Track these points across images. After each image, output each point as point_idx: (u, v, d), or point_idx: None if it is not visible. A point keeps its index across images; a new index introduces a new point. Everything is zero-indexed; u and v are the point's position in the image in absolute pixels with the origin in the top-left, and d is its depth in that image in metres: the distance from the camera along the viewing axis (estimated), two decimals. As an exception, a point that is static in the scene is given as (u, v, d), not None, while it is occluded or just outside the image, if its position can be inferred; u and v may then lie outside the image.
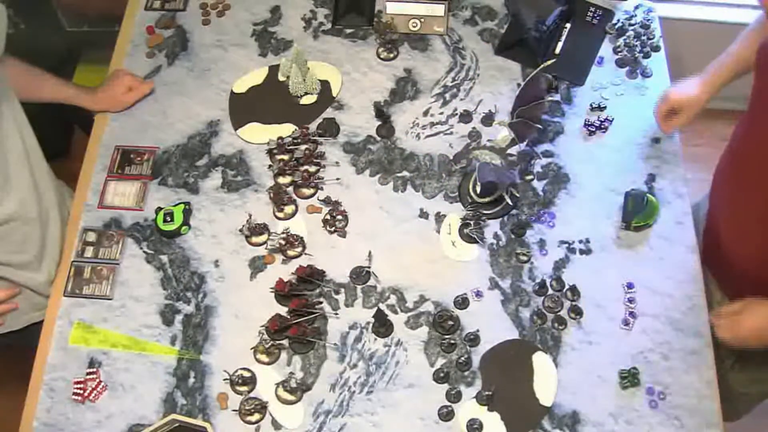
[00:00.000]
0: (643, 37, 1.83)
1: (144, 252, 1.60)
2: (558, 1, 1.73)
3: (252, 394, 1.45)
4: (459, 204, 1.64)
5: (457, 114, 1.75)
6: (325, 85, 1.78)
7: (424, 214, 1.63)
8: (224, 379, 1.45)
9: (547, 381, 1.44)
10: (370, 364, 1.47)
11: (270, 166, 1.69)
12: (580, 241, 1.58)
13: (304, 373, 1.47)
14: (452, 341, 1.48)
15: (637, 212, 1.56)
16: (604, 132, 1.71)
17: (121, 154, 1.71)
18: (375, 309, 1.49)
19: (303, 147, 1.68)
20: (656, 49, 1.81)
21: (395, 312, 1.52)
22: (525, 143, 1.68)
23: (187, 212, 1.62)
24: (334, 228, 1.60)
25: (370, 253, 1.58)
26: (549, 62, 1.55)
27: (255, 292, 1.55)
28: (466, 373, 1.46)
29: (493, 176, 1.55)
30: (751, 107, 1.34)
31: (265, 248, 1.60)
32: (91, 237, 1.61)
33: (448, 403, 1.43)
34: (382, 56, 1.83)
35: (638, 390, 1.44)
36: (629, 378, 1.43)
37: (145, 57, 1.85)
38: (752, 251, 1.41)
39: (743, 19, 2.37)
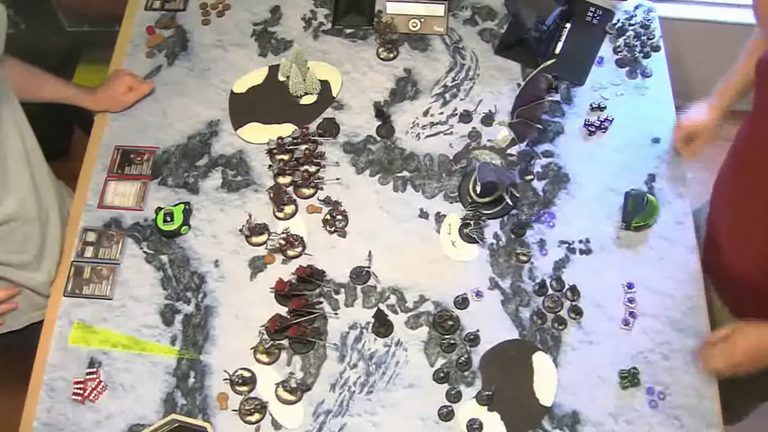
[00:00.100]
0: (643, 37, 1.83)
1: (144, 252, 1.60)
2: (558, 1, 1.73)
3: (252, 394, 1.45)
4: (459, 204, 1.64)
5: (457, 114, 1.75)
6: (325, 85, 1.79)
7: (424, 214, 1.63)
8: (224, 379, 1.45)
9: (547, 381, 1.44)
10: (370, 364, 1.47)
11: (270, 166, 1.69)
12: (580, 241, 1.58)
13: (304, 373, 1.47)
14: (452, 341, 1.48)
15: (637, 212, 1.56)
16: (604, 132, 1.71)
17: (121, 154, 1.71)
18: (375, 309, 1.49)
19: (303, 147, 1.68)
20: (656, 49, 1.82)
21: (395, 312, 1.52)
22: (525, 143, 1.68)
23: (187, 212, 1.62)
24: (334, 228, 1.60)
25: (370, 253, 1.58)
26: (549, 62, 1.55)
27: (255, 292, 1.55)
28: (466, 373, 1.46)
29: (493, 176, 1.55)
30: (752, 119, 1.34)
31: (265, 248, 1.60)
32: (91, 237, 1.61)
33: (448, 403, 1.43)
34: (382, 56, 1.83)
35: (638, 390, 1.44)
36: (629, 378, 1.43)
37: (145, 57, 1.85)
38: (752, 259, 1.40)
39: (743, 19, 2.37)
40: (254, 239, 1.60)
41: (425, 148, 1.71)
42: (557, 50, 1.82)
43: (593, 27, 1.85)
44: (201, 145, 1.73)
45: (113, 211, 1.65)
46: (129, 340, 1.51)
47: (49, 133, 1.61)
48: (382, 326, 1.49)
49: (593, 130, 1.71)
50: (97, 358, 1.49)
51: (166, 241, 1.61)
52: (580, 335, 1.49)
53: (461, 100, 1.77)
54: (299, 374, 1.47)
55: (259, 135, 1.73)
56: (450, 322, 1.49)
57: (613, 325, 1.50)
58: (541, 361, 1.46)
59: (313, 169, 1.67)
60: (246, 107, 1.77)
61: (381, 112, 1.72)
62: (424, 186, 1.66)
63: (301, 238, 1.59)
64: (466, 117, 1.74)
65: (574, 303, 1.52)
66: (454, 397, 1.43)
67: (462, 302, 1.52)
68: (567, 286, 1.53)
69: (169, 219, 1.59)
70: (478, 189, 1.59)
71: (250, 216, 1.60)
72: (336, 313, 1.52)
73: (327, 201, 1.63)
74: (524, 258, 1.57)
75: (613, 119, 1.72)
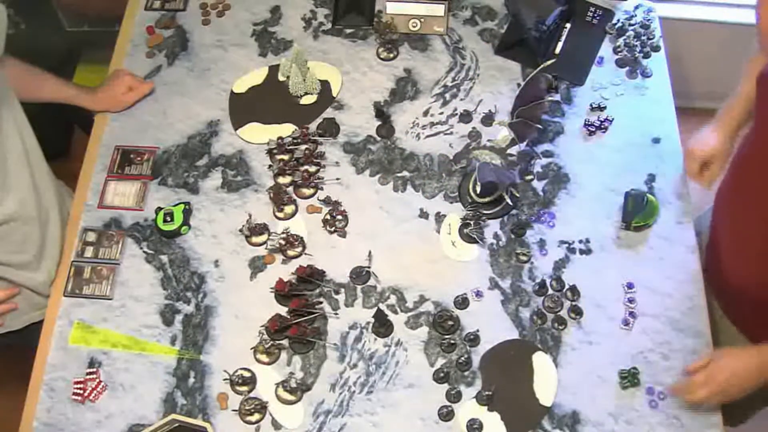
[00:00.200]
0: (643, 37, 1.83)
1: (144, 252, 1.60)
2: (558, 1, 1.73)
3: (252, 394, 1.45)
4: (459, 204, 1.64)
5: (457, 114, 1.75)
6: (325, 85, 1.79)
7: (424, 214, 1.63)
8: (224, 379, 1.45)
9: (547, 381, 1.44)
10: (370, 364, 1.47)
11: (270, 166, 1.69)
12: (580, 241, 1.58)
13: (304, 373, 1.47)
14: (452, 341, 1.48)
15: (637, 212, 1.56)
16: (604, 132, 1.71)
17: (121, 154, 1.71)
18: (375, 309, 1.49)
19: (303, 147, 1.68)
20: (656, 49, 1.82)
21: (395, 312, 1.52)
22: (525, 143, 1.68)
23: (187, 212, 1.62)
24: (334, 228, 1.60)
25: (370, 253, 1.58)
26: (549, 62, 1.55)
27: (255, 292, 1.55)
28: (466, 373, 1.46)
29: (493, 176, 1.55)
30: (753, 131, 1.33)
31: (265, 248, 1.60)
32: (91, 237, 1.61)
33: (448, 403, 1.43)
34: (382, 56, 1.83)
35: (638, 390, 1.44)
36: (629, 378, 1.43)
37: (145, 57, 1.85)
38: (752, 270, 1.39)
39: (743, 19, 2.37)
40: (254, 239, 1.60)
41: (425, 148, 1.71)
42: (557, 50, 1.82)
43: (593, 27, 1.85)
44: (201, 145, 1.73)
45: (113, 211, 1.65)
46: (129, 340, 1.51)
47: (49, 133, 1.61)
48: (382, 326, 1.49)
49: (593, 130, 1.71)
50: (97, 358, 1.49)
51: (166, 241, 1.61)
52: (580, 335, 1.49)
53: (461, 100, 1.77)
54: (299, 374, 1.47)
55: (259, 135, 1.73)
56: (450, 322, 1.49)
57: (613, 325, 1.50)
58: (541, 361, 1.46)
59: (313, 169, 1.67)
60: (246, 107, 1.77)
61: (381, 112, 1.72)
62: (424, 186, 1.66)
63: (301, 238, 1.59)
64: (466, 117, 1.74)
65: (574, 303, 1.52)
66: (454, 397, 1.43)
67: (462, 302, 1.52)
68: (567, 286, 1.53)
69: (169, 219, 1.59)
70: (478, 189, 1.59)
71: (250, 216, 1.60)
72: (336, 313, 1.52)
73: (327, 201, 1.63)
74: (524, 258, 1.57)
75: (613, 119, 1.72)
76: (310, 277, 1.52)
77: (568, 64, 1.79)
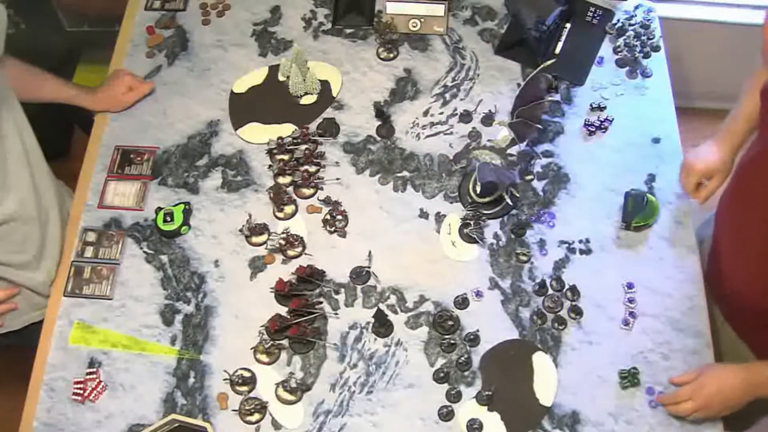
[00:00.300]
0: (643, 37, 1.83)
1: (144, 252, 1.60)
2: (558, 1, 1.73)
3: (252, 394, 1.45)
4: (459, 204, 1.64)
5: (457, 114, 1.75)
6: (325, 85, 1.79)
7: (424, 214, 1.63)
8: (224, 379, 1.45)
9: (547, 381, 1.44)
10: (370, 364, 1.47)
11: (270, 166, 1.69)
12: (580, 241, 1.58)
13: (304, 373, 1.47)
14: (452, 341, 1.48)
15: (637, 212, 1.56)
16: (604, 132, 1.71)
17: (121, 154, 1.71)
18: (375, 309, 1.49)
19: (303, 147, 1.68)
20: (656, 49, 1.82)
21: (395, 312, 1.52)
22: (525, 143, 1.68)
23: (187, 212, 1.62)
24: (334, 228, 1.60)
25: (370, 253, 1.58)
26: (549, 62, 1.55)
27: (255, 292, 1.55)
28: (466, 373, 1.46)
29: (493, 176, 1.55)
30: (757, 143, 1.33)
31: (265, 248, 1.60)
32: (91, 237, 1.61)
33: (448, 403, 1.43)
34: (382, 56, 1.83)
35: (638, 390, 1.44)
36: (629, 378, 1.43)
37: (145, 57, 1.85)
38: (752, 280, 1.39)
39: (743, 19, 2.37)
40: (254, 239, 1.60)
41: (425, 148, 1.71)
42: (557, 50, 1.82)
43: (593, 27, 1.85)
44: (201, 145, 1.73)
45: (113, 211, 1.65)
46: (129, 340, 1.51)
47: (49, 133, 1.61)
48: (382, 326, 1.49)
49: (593, 130, 1.71)
50: (97, 358, 1.49)
51: (166, 241, 1.61)
52: (580, 335, 1.49)
53: (461, 100, 1.77)
54: (299, 374, 1.47)
55: (259, 135, 1.73)
56: (450, 322, 1.49)
57: (613, 325, 1.50)
58: (541, 361, 1.46)
59: (313, 169, 1.67)
60: (246, 107, 1.77)
61: (381, 112, 1.72)
62: (424, 186, 1.66)
63: (301, 238, 1.59)
64: (466, 117, 1.74)
65: (574, 303, 1.52)
66: (454, 397, 1.43)
67: (462, 302, 1.52)
68: (567, 286, 1.53)
69: (169, 219, 1.59)
70: (478, 189, 1.59)
71: (250, 216, 1.60)
72: (336, 313, 1.52)
73: (327, 201, 1.63)
74: (524, 258, 1.57)
75: (613, 119, 1.72)
76: (310, 277, 1.52)
77: (568, 64, 1.79)
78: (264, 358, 1.47)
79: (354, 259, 1.57)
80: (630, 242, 1.58)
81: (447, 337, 1.48)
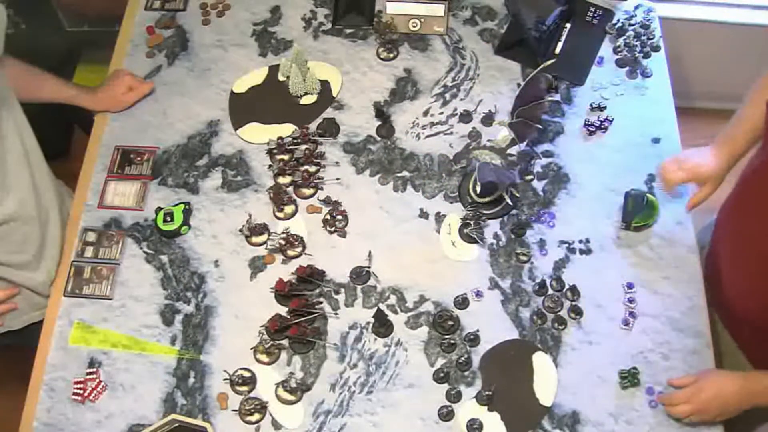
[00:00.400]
0: (643, 37, 1.83)
1: (144, 252, 1.60)
2: (558, 1, 1.73)
3: (252, 394, 1.45)
4: (459, 204, 1.64)
5: (457, 114, 1.75)
6: (325, 85, 1.79)
7: (424, 214, 1.63)
8: (224, 379, 1.45)
9: (547, 381, 1.44)
10: (370, 364, 1.47)
11: (270, 166, 1.69)
12: (580, 241, 1.58)
13: (304, 373, 1.47)
14: (452, 341, 1.48)
15: (637, 212, 1.56)
16: (604, 132, 1.71)
17: (121, 154, 1.71)
18: (375, 309, 1.49)
19: (303, 147, 1.68)
20: (656, 49, 1.82)
21: (395, 312, 1.52)
22: (525, 143, 1.68)
23: (187, 212, 1.62)
24: (334, 228, 1.60)
25: (370, 253, 1.58)
26: (549, 62, 1.55)
27: (255, 292, 1.55)
28: (466, 373, 1.46)
29: (493, 176, 1.55)
30: (762, 152, 1.32)
31: (265, 248, 1.60)
32: (91, 237, 1.61)
33: (448, 403, 1.43)
34: (382, 56, 1.83)
35: (638, 390, 1.44)
36: (629, 378, 1.43)
37: (145, 57, 1.85)
38: (750, 291, 1.39)
39: (743, 19, 2.37)
40: (254, 239, 1.60)
41: (425, 148, 1.71)
42: (557, 50, 1.82)
43: (593, 27, 1.85)
44: (201, 145, 1.73)
45: (113, 211, 1.65)
46: (129, 340, 1.51)
47: (49, 133, 1.61)
48: (382, 326, 1.49)
49: (593, 130, 1.71)
50: (97, 358, 1.49)
51: (166, 241, 1.61)
52: (580, 335, 1.49)
53: (461, 100, 1.77)
54: (299, 374, 1.47)
55: (259, 135, 1.73)
56: (450, 322, 1.49)
57: (613, 325, 1.50)
58: (541, 361, 1.46)
59: (313, 169, 1.67)
60: (246, 107, 1.77)
61: (381, 112, 1.72)
62: (424, 186, 1.66)
63: (301, 238, 1.59)
64: (466, 117, 1.74)
65: (574, 303, 1.52)
66: (454, 397, 1.43)
67: (462, 302, 1.52)
68: (567, 286, 1.53)
69: (169, 219, 1.59)
70: (478, 189, 1.59)
71: (250, 216, 1.60)
72: (336, 313, 1.52)
73: (327, 201, 1.63)
74: (524, 258, 1.57)
75: (613, 119, 1.72)
76: (310, 277, 1.52)
77: (568, 64, 1.79)
78: (264, 358, 1.47)
79: (354, 259, 1.57)
80: (630, 242, 1.58)
81: (447, 337, 1.48)
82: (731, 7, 2.43)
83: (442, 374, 1.45)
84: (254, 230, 1.59)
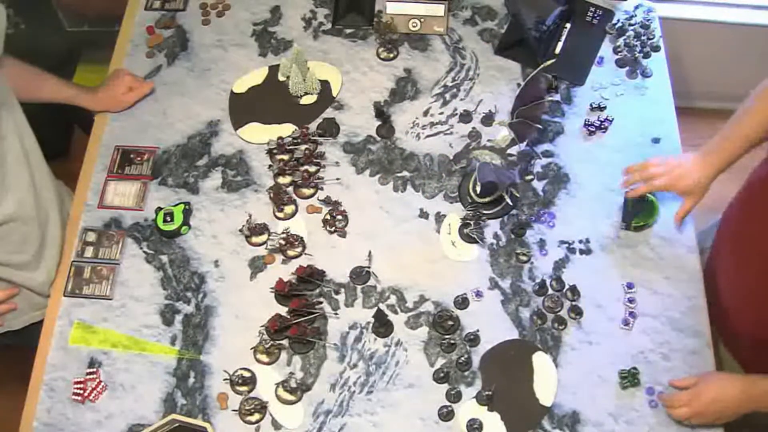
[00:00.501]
0: (643, 37, 1.83)
1: (144, 252, 1.60)
2: (558, 1, 1.73)
3: (252, 394, 1.45)
4: (459, 204, 1.64)
5: (457, 114, 1.75)
6: (325, 85, 1.79)
7: (424, 214, 1.63)
8: (224, 379, 1.45)
9: (547, 381, 1.44)
10: (370, 364, 1.47)
11: (270, 166, 1.69)
12: (580, 241, 1.58)
13: (304, 373, 1.47)
14: (452, 341, 1.48)
15: (637, 212, 1.56)
16: (604, 132, 1.71)
17: (121, 154, 1.71)
18: (375, 309, 1.49)
19: (303, 147, 1.68)
20: (656, 49, 1.82)
21: (395, 312, 1.52)
22: (525, 143, 1.68)
23: (187, 212, 1.62)
24: (334, 228, 1.60)
25: (370, 253, 1.58)
26: (549, 62, 1.55)
27: (255, 292, 1.55)
28: (466, 373, 1.46)
29: (493, 176, 1.55)
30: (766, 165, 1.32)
31: (265, 248, 1.60)
32: (91, 237, 1.61)
33: (448, 403, 1.43)
34: (382, 56, 1.83)
35: (638, 390, 1.44)
36: (629, 378, 1.43)
37: (145, 57, 1.85)
38: (749, 303, 1.39)
39: (743, 19, 2.37)
40: (254, 239, 1.60)
41: (425, 148, 1.71)
42: (557, 50, 1.82)
43: (593, 27, 1.85)
44: (201, 145, 1.73)
45: (113, 211, 1.65)
46: (129, 340, 1.51)
47: (49, 133, 1.61)
48: (382, 326, 1.49)
49: (593, 130, 1.71)
50: (97, 358, 1.49)
51: (166, 241, 1.61)
52: (580, 335, 1.49)
53: (461, 100, 1.77)
54: (299, 374, 1.47)
55: (259, 135, 1.73)
56: (450, 322, 1.49)
57: (613, 325, 1.50)
58: (541, 361, 1.46)
59: (313, 169, 1.67)
60: (246, 107, 1.77)
61: (381, 112, 1.72)
62: (424, 186, 1.66)
63: (301, 238, 1.59)
64: (466, 117, 1.74)
65: (574, 303, 1.52)
66: (454, 397, 1.43)
67: (462, 302, 1.52)
68: (567, 286, 1.53)
69: (169, 219, 1.59)
70: (478, 189, 1.59)
71: (250, 216, 1.60)
72: (336, 313, 1.52)
73: (327, 201, 1.63)
74: (524, 258, 1.57)
75: (613, 119, 1.72)
76: (310, 277, 1.52)
77: (568, 64, 1.79)
78: (264, 358, 1.47)
79: (354, 259, 1.57)
80: (630, 242, 1.58)
81: (447, 337, 1.48)
82: (731, 7, 2.43)
83: (442, 374, 1.45)
84: (254, 230, 1.59)
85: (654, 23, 1.85)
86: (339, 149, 1.71)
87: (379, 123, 1.74)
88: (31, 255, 1.50)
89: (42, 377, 1.48)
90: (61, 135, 2.63)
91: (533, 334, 1.50)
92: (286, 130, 1.73)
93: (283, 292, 1.50)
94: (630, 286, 1.53)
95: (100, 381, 1.47)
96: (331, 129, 1.73)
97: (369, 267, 1.56)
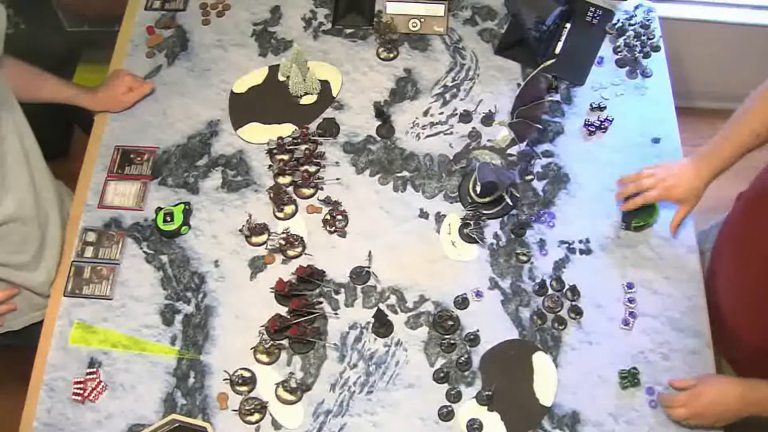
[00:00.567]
0: (643, 37, 1.83)
1: (144, 252, 1.60)
2: (558, 1, 1.73)
3: (252, 394, 1.45)
4: (459, 204, 1.64)
5: (457, 114, 1.75)
6: (325, 85, 1.79)
7: (424, 214, 1.63)
8: (224, 379, 1.45)
9: (547, 381, 1.44)
10: (370, 364, 1.47)
11: (270, 166, 1.69)
12: (580, 241, 1.58)
13: (304, 373, 1.47)
14: (452, 341, 1.48)
15: (637, 212, 1.56)
16: (604, 132, 1.71)
17: (121, 154, 1.71)
18: (375, 309, 1.49)
19: (303, 147, 1.68)
20: (656, 49, 1.82)
21: (395, 312, 1.52)
22: (525, 143, 1.68)
23: (187, 212, 1.62)
24: (334, 228, 1.60)
25: (370, 253, 1.58)
26: (549, 62, 1.55)
27: (255, 292, 1.55)
28: (466, 373, 1.46)
29: (493, 176, 1.55)
30: None
31: (265, 248, 1.60)
32: (91, 237, 1.61)
33: (448, 403, 1.43)
34: (382, 56, 1.83)
35: (638, 390, 1.44)
36: (629, 378, 1.43)
37: (145, 57, 1.85)
38: (748, 310, 1.39)
39: (743, 19, 2.37)
40: (254, 239, 1.60)
41: (425, 148, 1.71)
42: (557, 50, 1.82)
43: (593, 27, 1.85)
44: (201, 145, 1.73)
45: (113, 211, 1.65)
46: (129, 340, 1.51)
47: (49, 133, 1.61)
48: (382, 326, 1.49)
49: (593, 130, 1.71)
50: (97, 358, 1.49)
51: (166, 241, 1.61)
52: (580, 335, 1.49)
53: (461, 100, 1.77)
54: (299, 374, 1.47)
55: (259, 135, 1.73)
56: (450, 322, 1.49)
57: (613, 325, 1.50)
58: (541, 361, 1.46)
59: (313, 169, 1.67)
60: (246, 107, 1.77)
61: (381, 112, 1.72)
62: (424, 186, 1.66)
63: (301, 238, 1.59)
64: (466, 117, 1.74)
65: (574, 303, 1.52)
66: (454, 397, 1.43)
67: (462, 302, 1.52)
68: (567, 286, 1.53)
69: (169, 219, 1.59)
70: (478, 189, 1.59)
71: (250, 216, 1.60)
72: (336, 313, 1.52)
73: (327, 201, 1.63)
74: (524, 258, 1.57)
75: (613, 119, 1.72)
76: (310, 277, 1.52)
77: (568, 64, 1.79)
78: (264, 358, 1.47)
79: (354, 259, 1.57)
80: (630, 242, 1.58)
81: (447, 337, 1.48)
82: (731, 7, 2.43)
83: (442, 374, 1.45)
84: (254, 230, 1.59)
85: (654, 23, 1.85)
86: (339, 149, 1.71)
87: (379, 123, 1.74)
88: (31, 255, 1.50)
89: (42, 377, 1.48)
90: (61, 135, 2.63)
91: (533, 334, 1.50)
92: (286, 130, 1.73)
93: (283, 292, 1.50)
94: (630, 286, 1.53)
95: (100, 381, 1.47)
96: (331, 129, 1.73)
97: (369, 267, 1.56)
